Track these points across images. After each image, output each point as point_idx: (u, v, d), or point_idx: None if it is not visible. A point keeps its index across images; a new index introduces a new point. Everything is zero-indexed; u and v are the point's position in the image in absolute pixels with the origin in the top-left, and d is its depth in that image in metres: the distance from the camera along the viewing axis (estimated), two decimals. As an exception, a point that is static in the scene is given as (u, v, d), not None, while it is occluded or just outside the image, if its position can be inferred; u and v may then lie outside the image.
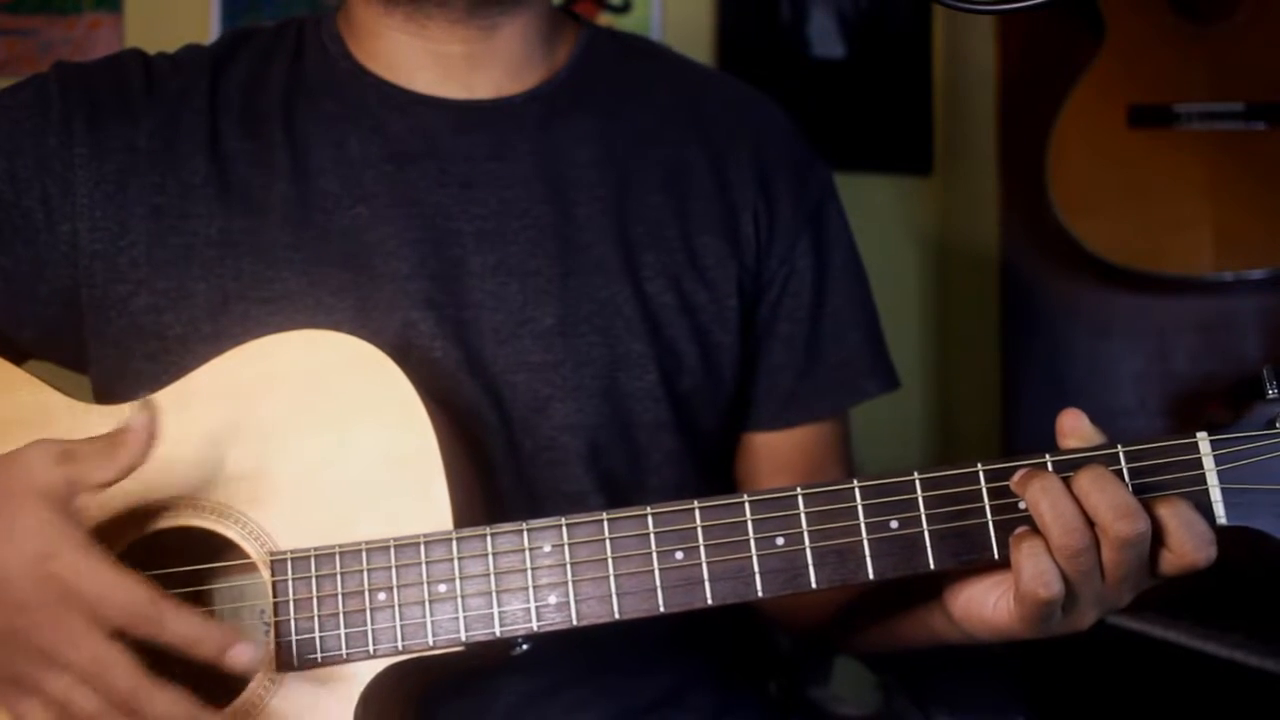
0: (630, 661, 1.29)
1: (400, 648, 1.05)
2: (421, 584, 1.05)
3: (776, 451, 1.42)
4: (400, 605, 1.05)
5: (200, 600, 1.06)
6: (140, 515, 1.09)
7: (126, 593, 0.94)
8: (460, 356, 1.23)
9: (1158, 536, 0.99)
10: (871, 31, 2.71)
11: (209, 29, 2.40)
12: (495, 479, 1.23)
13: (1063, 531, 0.98)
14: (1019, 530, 1.01)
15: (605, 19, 2.57)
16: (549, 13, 1.36)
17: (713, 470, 1.39)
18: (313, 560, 1.06)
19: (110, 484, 1.00)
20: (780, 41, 2.68)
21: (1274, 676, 1.84)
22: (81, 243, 1.23)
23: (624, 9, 2.59)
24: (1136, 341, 2.37)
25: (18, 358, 1.22)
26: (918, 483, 1.03)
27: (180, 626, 0.95)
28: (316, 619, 1.06)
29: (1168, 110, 2.25)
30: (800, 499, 1.03)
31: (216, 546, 1.09)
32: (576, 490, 1.26)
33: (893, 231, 2.74)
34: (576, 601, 1.04)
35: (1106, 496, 0.97)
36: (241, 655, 0.95)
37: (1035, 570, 0.99)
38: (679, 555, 1.03)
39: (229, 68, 1.32)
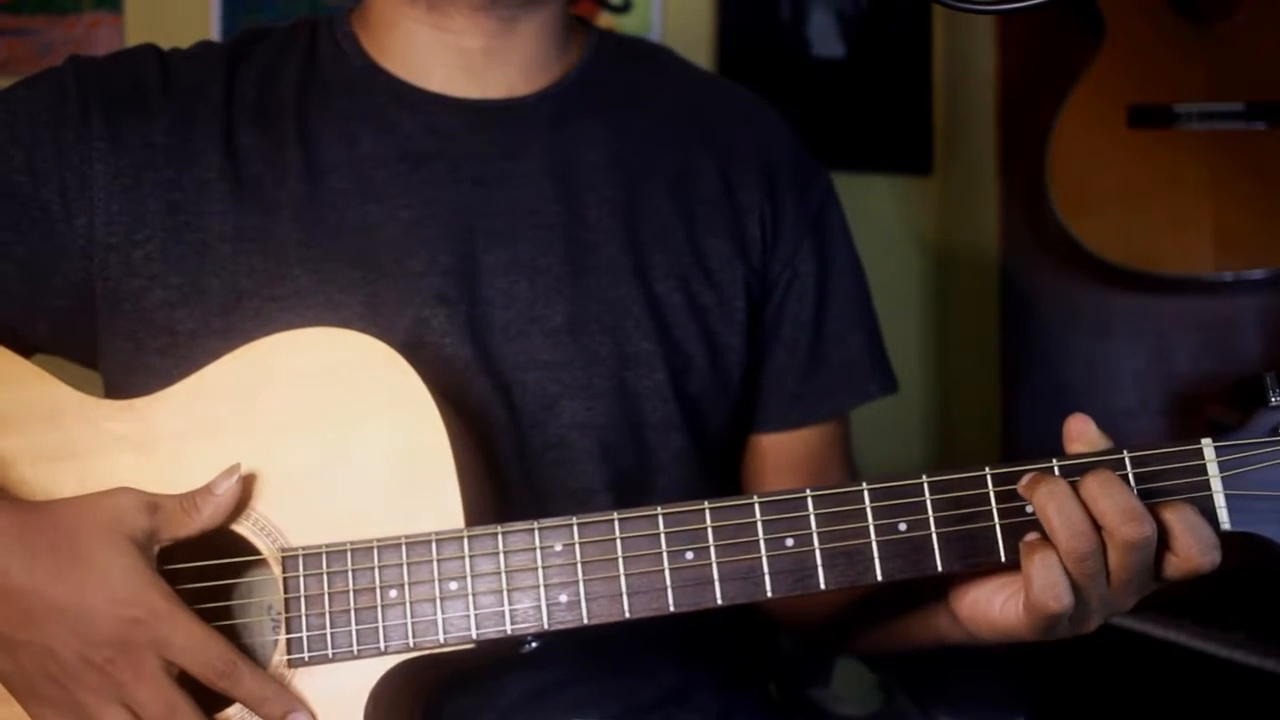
0: (636, 660, 1.29)
1: (411, 645, 1.05)
2: (433, 581, 1.05)
3: (781, 452, 1.43)
4: (411, 603, 1.05)
5: (212, 596, 1.06)
6: (152, 513, 1.09)
7: (212, 648, 1.02)
8: (471, 353, 1.24)
9: (1163, 540, 1.00)
10: (871, 31, 2.71)
11: (209, 29, 2.40)
12: (504, 476, 1.24)
13: (1070, 535, 0.98)
14: (1029, 538, 1.02)
15: (605, 19, 2.57)
16: (565, 15, 1.37)
17: (720, 470, 1.40)
18: (324, 557, 1.07)
19: (184, 540, 1.06)
20: (780, 41, 2.68)
21: (1274, 676, 1.84)
22: (97, 236, 1.24)
23: (624, 9, 2.60)
24: (1136, 341, 2.37)
25: (26, 351, 1.23)
26: (926, 486, 1.04)
27: (255, 686, 1.03)
28: (328, 615, 1.06)
29: (1168, 110, 2.25)
30: (810, 501, 1.04)
31: (228, 542, 1.09)
32: (584, 488, 1.27)
33: (893, 231, 2.75)
34: (587, 600, 1.04)
35: (1113, 500, 0.98)
36: None
37: (1046, 581, 0.99)
38: (689, 555, 1.04)
39: (243, 65, 1.32)
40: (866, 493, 1.04)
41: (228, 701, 1.05)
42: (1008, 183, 2.52)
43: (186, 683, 1.03)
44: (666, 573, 1.04)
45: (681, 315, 1.32)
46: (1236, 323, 2.32)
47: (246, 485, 1.08)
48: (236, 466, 1.07)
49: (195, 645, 1.01)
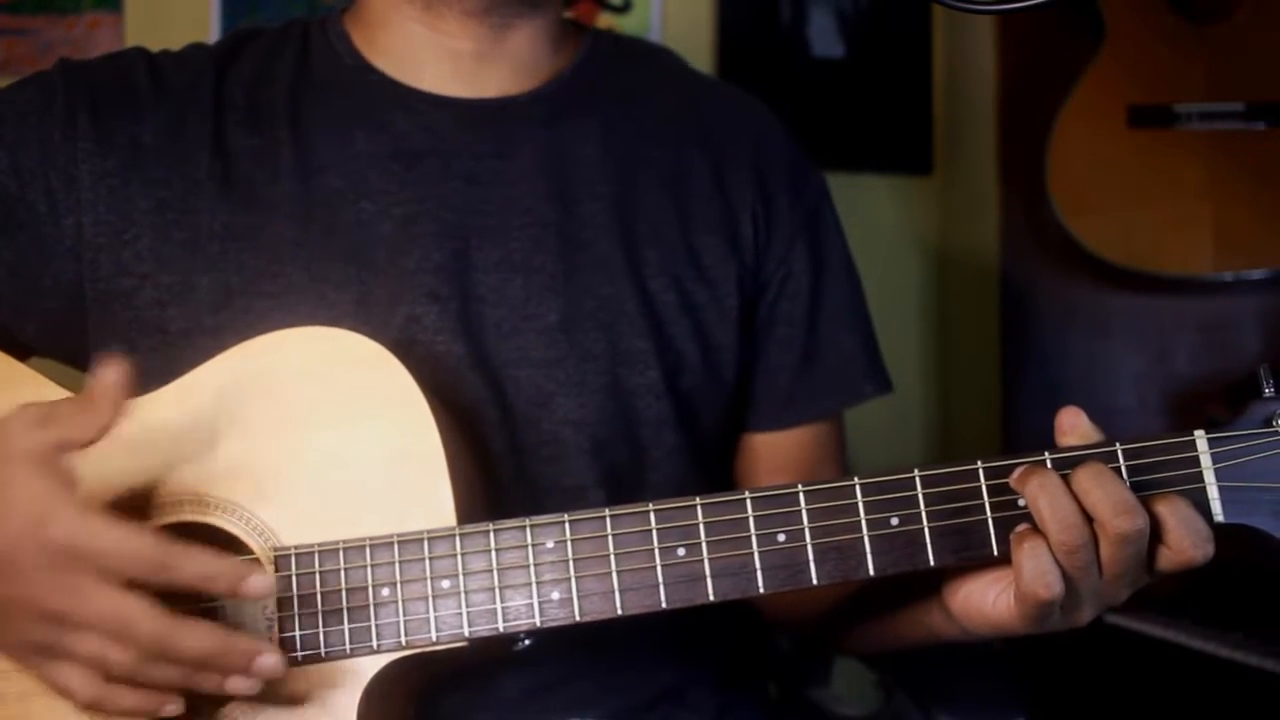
0: (632, 658, 1.29)
1: (404, 643, 1.05)
2: (425, 580, 1.05)
3: (774, 452, 1.43)
4: (404, 601, 1.05)
5: (204, 596, 1.06)
6: (144, 511, 1.09)
7: (133, 543, 0.96)
8: (463, 351, 1.24)
9: (1156, 533, 0.99)
10: (871, 31, 2.71)
11: (209, 29, 2.40)
12: (496, 473, 1.24)
13: (1061, 528, 0.98)
14: (1019, 529, 1.02)
15: (605, 19, 2.58)
16: (559, 21, 1.38)
17: (712, 467, 1.40)
18: (316, 556, 1.07)
19: (92, 441, 1.01)
20: (780, 41, 2.68)
21: (1274, 676, 1.84)
22: (86, 236, 1.24)
23: (624, 9, 2.60)
24: (1136, 341, 2.37)
25: (21, 354, 1.23)
26: (918, 480, 1.03)
27: (193, 565, 0.96)
28: (320, 615, 1.06)
29: (1168, 110, 2.24)
30: (801, 496, 1.04)
31: (220, 542, 1.08)
32: (577, 485, 1.27)
33: (892, 231, 2.74)
34: (579, 597, 1.04)
35: (1105, 493, 0.98)
36: (255, 585, 0.97)
37: (1036, 570, 0.99)
38: (681, 551, 1.04)
39: (233, 66, 1.33)
40: (858, 487, 1.04)
41: (226, 701, 1.05)
42: (1008, 183, 2.52)
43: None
44: (659, 569, 1.04)
45: (675, 313, 1.32)
46: (1236, 323, 2.32)
47: (247, 471, 1.07)
48: (119, 354, 1.03)
49: (113, 544, 0.95)
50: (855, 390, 1.43)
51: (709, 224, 1.35)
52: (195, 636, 0.97)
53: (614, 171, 1.34)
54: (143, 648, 0.96)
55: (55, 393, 1.14)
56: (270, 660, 0.99)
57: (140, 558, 0.96)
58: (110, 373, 1.01)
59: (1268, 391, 1.02)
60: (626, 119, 1.38)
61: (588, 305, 1.28)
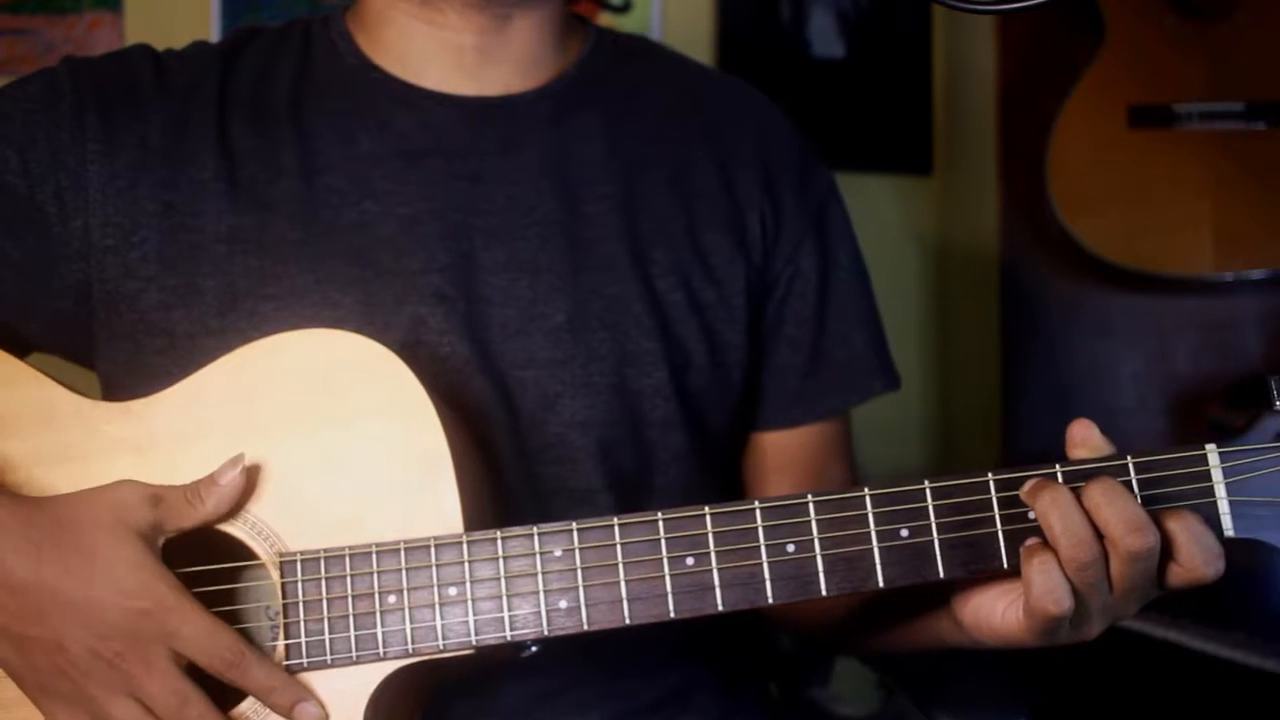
0: (636, 663, 1.29)
1: (410, 650, 1.05)
2: (432, 587, 1.05)
3: (782, 450, 1.42)
4: (410, 608, 1.05)
5: (209, 601, 1.06)
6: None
7: (220, 638, 1.03)
8: (469, 352, 1.24)
9: (1166, 550, 0.99)
10: (871, 31, 2.71)
11: (209, 29, 2.40)
12: (503, 475, 1.23)
13: (1072, 544, 0.98)
14: (1030, 543, 1.01)
15: (605, 19, 2.57)
16: (563, 14, 1.37)
17: (720, 468, 1.39)
18: (322, 561, 1.06)
19: (189, 530, 1.07)
20: (780, 41, 2.68)
21: (1274, 676, 1.84)
22: (93, 238, 1.24)
23: (624, 9, 2.59)
24: (1136, 341, 2.37)
25: (22, 351, 1.23)
26: (928, 491, 1.03)
27: (263, 676, 1.03)
28: (326, 621, 1.06)
29: (1168, 110, 2.24)
30: (811, 506, 1.03)
31: (225, 546, 1.09)
32: (584, 487, 1.26)
33: (893, 231, 2.74)
34: (587, 606, 1.04)
35: (1117, 510, 0.97)
36: (308, 712, 1.04)
37: (1046, 586, 0.99)
38: (690, 561, 1.03)
39: (236, 65, 1.32)
40: (868, 498, 1.03)
41: (242, 696, 1.05)
42: (1008, 183, 2.52)
43: (196, 676, 1.03)
44: (667, 579, 1.04)
45: (682, 312, 1.31)
46: (1236, 323, 2.32)
47: (250, 477, 1.08)
48: (240, 457, 1.07)
49: (203, 636, 1.02)
50: (864, 387, 1.43)
51: (716, 223, 1.35)
52: None
53: (619, 170, 1.33)
54: None
55: (56, 391, 1.13)
56: None
57: (224, 653, 1.02)
58: (228, 473, 1.06)
59: (1279, 404, 1.01)
60: (631, 116, 1.37)
61: (594, 305, 1.28)
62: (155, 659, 1.01)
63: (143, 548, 1.03)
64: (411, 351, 1.13)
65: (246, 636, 1.09)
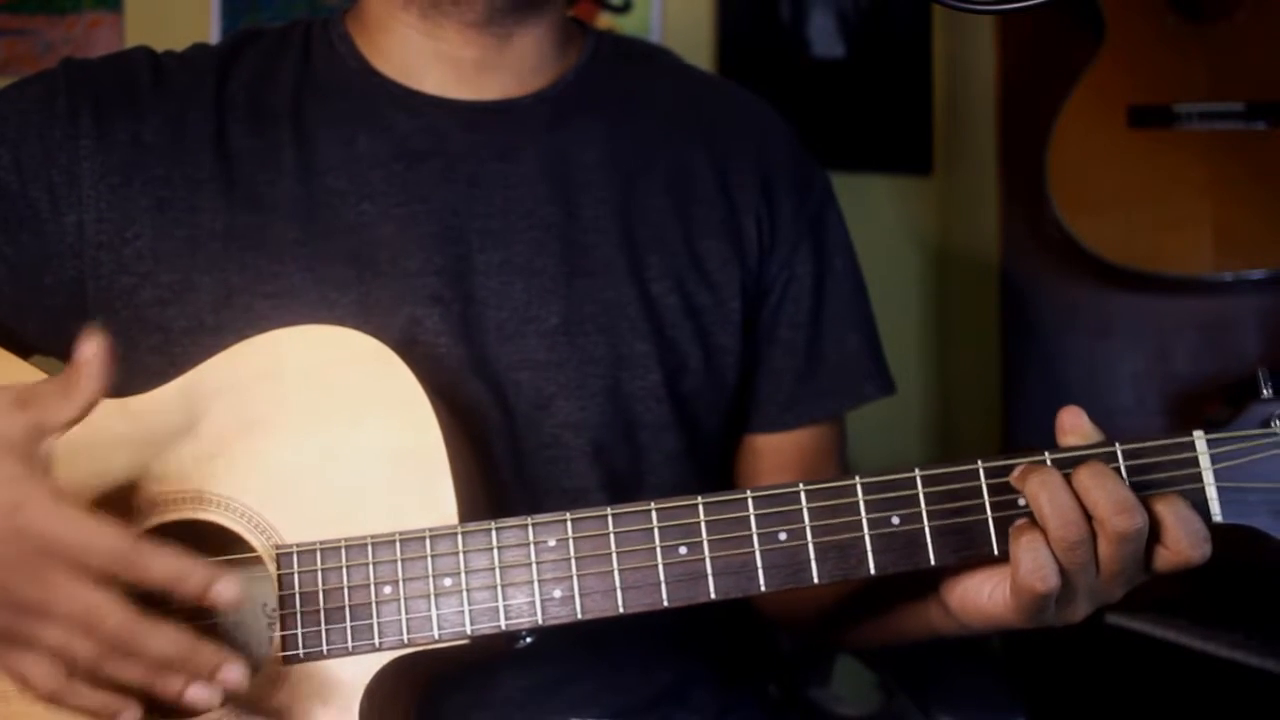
0: (633, 658, 1.29)
1: (406, 641, 1.05)
2: (427, 578, 1.05)
3: (775, 453, 1.42)
4: (406, 599, 1.05)
5: (205, 613, 1.06)
6: (145, 509, 1.09)
7: (107, 538, 0.94)
8: (465, 353, 1.24)
9: (1154, 533, 1.00)
10: (871, 32, 2.72)
11: (209, 29, 2.40)
12: (497, 475, 1.24)
13: (1061, 524, 0.99)
14: (1018, 523, 1.02)
15: (605, 19, 2.58)
16: (562, 22, 1.38)
17: (713, 470, 1.39)
18: (318, 554, 1.07)
19: (73, 423, 0.99)
20: (780, 41, 2.69)
21: (1274, 676, 1.84)
22: (87, 234, 1.24)
23: (624, 9, 2.60)
24: (1136, 341, 2.37)
25: (23, 353, 1.22)
26: (919, 479, 1.04)
27: (164, 565, 0.95)
28: (322, 612, 1.06)
29: (1168, 110, 2.25)
30: (803, 495, 1.04)
31: (222, 540, 1.09)
32: (578, 488, 1.27)
33: (893, 231, 2.75)
34: (581, 595, 1.04)
35: (1105, 491, 0.98)
36: (225, 590, 0.95)
37: (1033, 563, 0.99)
38: (683, 550, 1.04)
39: (235, 67, 1.33)
40: (859, 486, 1.04)
41: None
42: (1008, 183, 2.52)
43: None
44: (660, 567, 1.04)
45: (677, 316, 1.32)
46: (1236, 323, 2.32)
47: (248, 470, 1.06)
48: (94, 326, 1.01)
49: (87, 537, 0.94)
50: (858, 392, 1.43)
51: (712, 227, 1.35)
52: (161, 637, 0.95)
53: (616, 175, 1.34)
54: (107, 643, 0.95)
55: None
56: (235, 673, 0.97)
57: (109, 552, 0.94)
58: (89, 348, 0.99)
59: (1266, 393, 1.02)
60: (629, 121, 1.37)
61: (589, 308, 1.28)
62: (54, 577, 0.94)
63: (13, 459, 0.96)
64: (407, 352, 1.13)
65: (243, 629, 1.09)
